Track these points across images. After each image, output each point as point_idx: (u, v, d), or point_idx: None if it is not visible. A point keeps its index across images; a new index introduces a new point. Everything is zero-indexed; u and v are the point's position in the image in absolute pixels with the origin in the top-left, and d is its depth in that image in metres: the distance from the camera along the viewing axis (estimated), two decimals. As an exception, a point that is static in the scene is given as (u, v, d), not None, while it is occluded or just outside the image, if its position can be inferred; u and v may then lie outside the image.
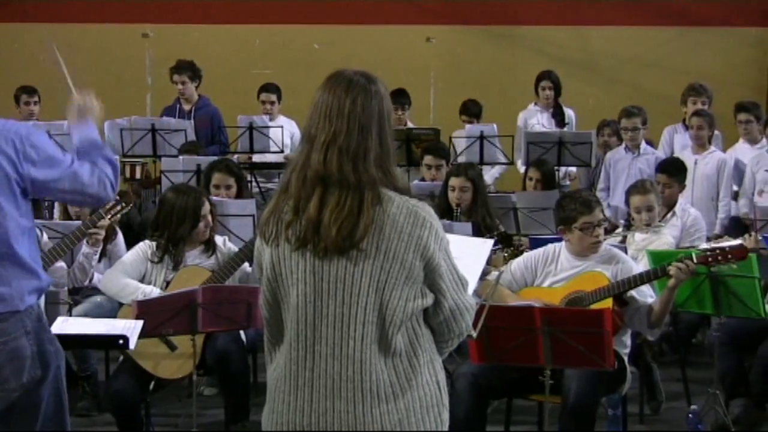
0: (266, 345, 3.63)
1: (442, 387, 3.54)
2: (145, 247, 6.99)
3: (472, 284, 4.31)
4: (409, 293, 3.43)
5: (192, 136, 10.82)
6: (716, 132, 10.74)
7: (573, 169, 11.35)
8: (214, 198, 7.98)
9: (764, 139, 10.19)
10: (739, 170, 10.13)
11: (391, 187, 3.47)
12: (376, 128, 3.47)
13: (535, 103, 11.92)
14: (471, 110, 12.03)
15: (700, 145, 10.19)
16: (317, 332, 3.44)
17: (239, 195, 8.41)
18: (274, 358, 3.58)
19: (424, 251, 3.43)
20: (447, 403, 3.56)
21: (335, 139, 3.44)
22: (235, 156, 11.29)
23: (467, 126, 11.57)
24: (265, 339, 3.64)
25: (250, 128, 11.21)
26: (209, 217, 7.03)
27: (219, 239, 7.15)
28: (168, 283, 6.83)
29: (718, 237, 8.15)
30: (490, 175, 11.47)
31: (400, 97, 11.77)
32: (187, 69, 11.57)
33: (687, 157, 9.92)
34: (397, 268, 3.40)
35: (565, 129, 11.51)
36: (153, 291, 6.72)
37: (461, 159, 10.72)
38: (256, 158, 11.54)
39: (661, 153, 10.70)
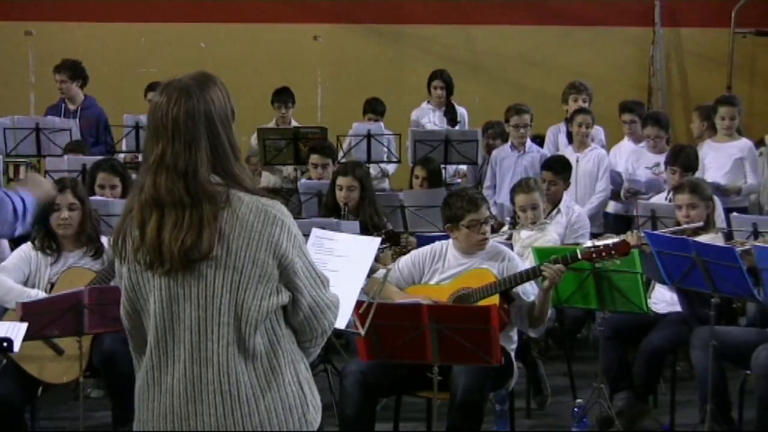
0: (132, 355, 3.62)
1: (306, 387, 3.54)
2: (27, 248, 6.88)
3: (360, 283, 4.34)
4: (263, 292, 3.42)
5: (77, 136, 10.68)
6: (600, 129, 10.94)
7: (463, 167, 11.42)
8: (99, 198, 7.90)
9: (645, 139, 10.36)
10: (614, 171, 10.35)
11: (238, 188, 3.45)
12: (205, 137, 3.42)
13: (428, 102, 11.96)
14: (376, 109, 12.00)
15: (583, 143, 10.37)
16: (176, 337, 3.44)
17: (124, 195, 8.32)
18: (140, 367, 3.57)
19: (277, 249, 3.42)
20: (314, 402, 3.56)
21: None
22: (121, 155, 11.17)
23: (354, 125, 11.58)
24: (131, 350, 3.62)
25: (136, 127, 11.10)
26: (65, 212, 6.87)
27: (105, 240, 7.06)
28: (53, 285, 6.74)
29: (600, 235, 8.30)
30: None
31: (283, 95, 11.77)
32: (68, 69, 11.43)
33: (569, 154, 10.06)
34: (249, 267, 3.40)
35: (457, 127, 11.58)
36: (39, 294, 6.61)
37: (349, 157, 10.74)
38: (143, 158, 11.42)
39: (546, 151, 10.84)
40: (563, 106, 11.25)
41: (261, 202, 3.46)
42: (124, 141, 11.33)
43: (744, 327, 7.79)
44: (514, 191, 8.26)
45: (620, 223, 9.75)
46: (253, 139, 11.26)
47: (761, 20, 14.38)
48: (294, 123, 11.79)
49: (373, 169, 10.97)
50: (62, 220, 6.84)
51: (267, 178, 11.37)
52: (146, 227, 3.41)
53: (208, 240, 3.36)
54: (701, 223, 7.56)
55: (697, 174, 9.23)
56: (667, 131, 10.30)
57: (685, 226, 7.55)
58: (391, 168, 11.59)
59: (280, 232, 3.43)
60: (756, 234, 7.71)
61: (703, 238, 7.27)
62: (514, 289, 6.47)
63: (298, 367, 3.54)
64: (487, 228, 6.68)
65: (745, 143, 9.89)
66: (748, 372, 6.63)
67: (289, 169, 11.32)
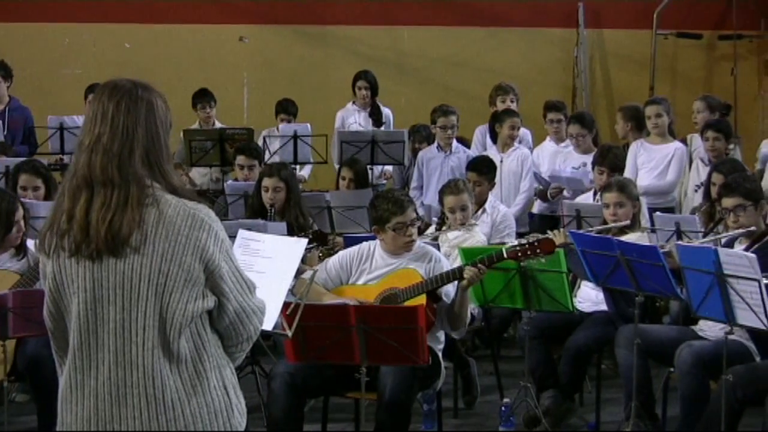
0: (55, 357, 3.59)
1: (231, 391, 3.53)
2: (-49, 253, 6.82)
3: (287, 284, 4.34)
4: (189, 296, 3.41)
5: (1, 138, 10.57)
6: (527, 132, 11.01)
7: (389, 167, 11.44)
8: (22, 200, 7.81)
9: (569, 138, 10.45)
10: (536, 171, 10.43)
11: (165, 184, 3.45)
12: (142, 129, 3.45)
13: (353, 102, 11.96)
14: (288, 109, 12.01)
15: (509, 144, 10.43)
16: (99, 340, 3.41)
17: (48, 197, 8.23)
18: (62, 369, 3.53)
19: (203, 253, 3.41)
20: (239, 406, 3.56)
21: (99, 140, 3.42)
22: (45, 157, 11.05)
23: (281, 126, 11.57)
24: (53, 352, 3.59)
25: (61, 129, 10.99)
26: (21, 223, 6.85)
27: (30, 242, 6.99)
28: (-24, 289, 6.67)
29: (527, 234, 8.35)
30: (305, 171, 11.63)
31: (204, 97, 11.79)
32: (0, 68, 11.31)
33: (493, 155, 10.11)
34: (175, 270, 3.38)
35: (382, 128, 11.59)
36: (-37, 298, 6.54)
37: (275, 159, 10.72)
38: (67, 159, 11.32)
39: (472, 152, 10.89)
40: (491, 108, 11.30)
41: (188, 205, 3.45)
42: (49, 143, 11.21)
43: (667, 325, 7.89)
44: (443, 192, 8.27)
45: (546, 223, 9.78)
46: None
47: (682, 22, 14.59)
48: (218, 124, 11.76)
49: (376, 170, 11.03)
50: (18, 233, 6.79)
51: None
52: (75, 209, 3.40)
53: (128, 223, 3.35)
54: (627, 222, 7.64)
55: (630, 174, 9.35)
56: (591, 130, 10.38)
57: (612, 225, 7.63)
58: (306, 170, 11.65)
59: (207, 237, 3.42)
60: (679, 233, 7.80)
61: (629, 238, 7.35)
62: (442, 288, 6.49)
63: (224, 371, 3.53)
64: (414, 230, 6.68)
65: (677, 145, 9.95)
66: (672, 369, 6.71)
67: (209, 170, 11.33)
